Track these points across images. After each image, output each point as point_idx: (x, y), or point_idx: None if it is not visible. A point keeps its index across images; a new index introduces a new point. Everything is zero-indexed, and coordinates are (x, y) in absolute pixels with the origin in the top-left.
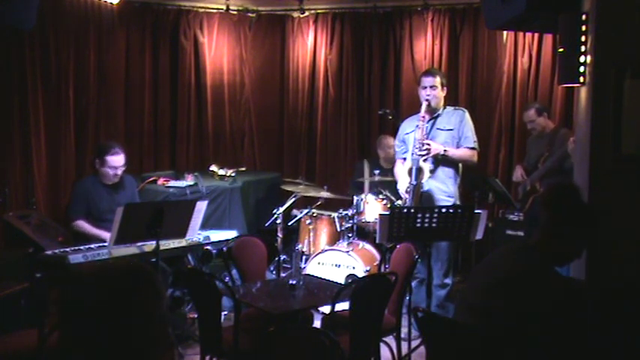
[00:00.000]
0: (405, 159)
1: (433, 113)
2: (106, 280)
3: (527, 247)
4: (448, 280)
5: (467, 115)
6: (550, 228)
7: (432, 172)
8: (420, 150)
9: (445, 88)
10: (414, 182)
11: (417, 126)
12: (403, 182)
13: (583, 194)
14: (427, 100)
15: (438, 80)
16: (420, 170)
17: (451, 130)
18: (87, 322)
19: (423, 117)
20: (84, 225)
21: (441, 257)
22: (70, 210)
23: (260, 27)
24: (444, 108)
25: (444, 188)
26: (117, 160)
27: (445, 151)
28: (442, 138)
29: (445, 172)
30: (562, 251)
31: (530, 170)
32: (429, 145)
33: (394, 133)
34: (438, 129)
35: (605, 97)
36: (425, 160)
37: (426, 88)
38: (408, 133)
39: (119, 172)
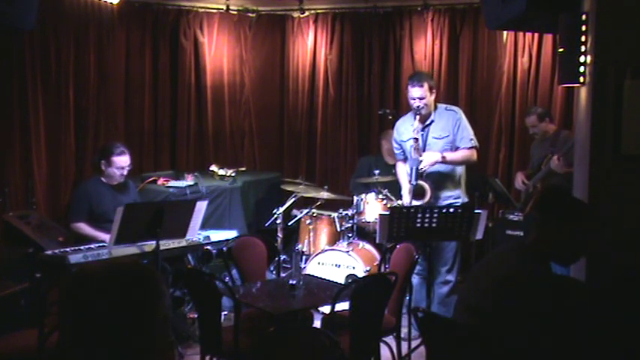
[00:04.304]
0: (405, 159)
1: (426, 120)
2: (108, 280)
3: (523, 247)
4: (451, 277)
5: (459, 114)
6: (542, 228)
7: (435, 182)
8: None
9: (434, 90)
10: (413, 182)
11: (414, 138)
12: (406, 190)
13: (576, 194)
14: (418, 113)
15: (426, 88)
16: (420, 175)
17: (447, 136)
18: (88, 322)
19: (416, 139)
20: (84, 227)
21: (446, 254)
22: (71, 213)
23: (260, 27)
24: (436, 109)
25: (448, 193)
26: (124, 161)
27: (443, 157)
28: (439, 146)
29: (447, 175)
30: (557, 251)
31: (533, 174)
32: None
33: None
34: (433, 137)
35: (605, 97)
36: (423, 177)
37: (414, 99)
38: (404, 141)
39: (125, 172)
